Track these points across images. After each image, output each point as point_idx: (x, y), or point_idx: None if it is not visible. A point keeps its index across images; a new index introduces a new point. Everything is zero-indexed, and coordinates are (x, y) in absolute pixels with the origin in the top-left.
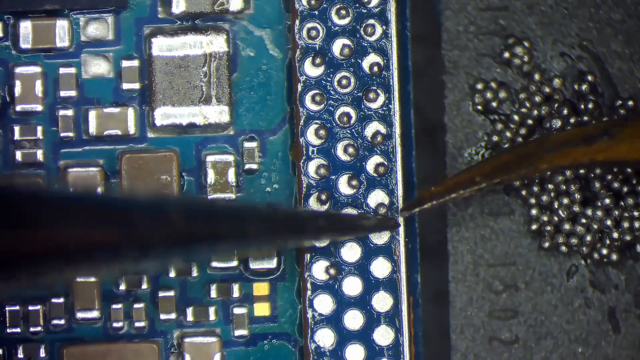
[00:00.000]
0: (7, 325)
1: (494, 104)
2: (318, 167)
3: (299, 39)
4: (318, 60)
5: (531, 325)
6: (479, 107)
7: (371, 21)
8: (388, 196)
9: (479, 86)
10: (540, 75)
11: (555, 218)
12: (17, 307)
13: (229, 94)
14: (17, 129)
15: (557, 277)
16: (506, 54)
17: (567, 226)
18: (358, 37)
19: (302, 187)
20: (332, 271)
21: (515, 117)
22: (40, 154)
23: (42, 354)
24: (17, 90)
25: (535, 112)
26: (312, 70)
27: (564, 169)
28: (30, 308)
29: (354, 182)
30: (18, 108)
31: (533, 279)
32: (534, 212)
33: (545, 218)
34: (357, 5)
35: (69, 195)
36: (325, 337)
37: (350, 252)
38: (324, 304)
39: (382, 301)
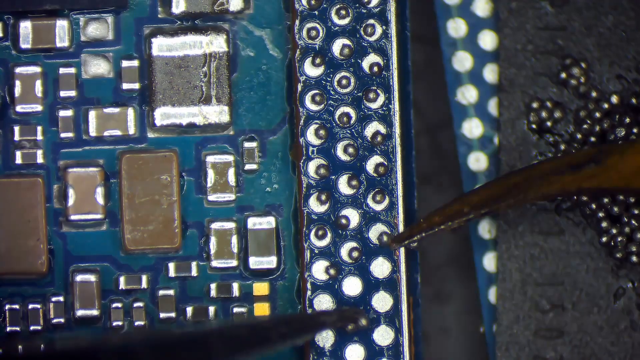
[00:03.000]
0: (7, 324)
1: (549, 124)
2: (318, 167)
3: (299, 39)
4: (318, 60)
5: (576, 346)
6: (534, 126)
7: (371, 21)
8: (388, 197)
9: (535, 105)
10: (597, 94)
11: (627, 229)
12: (17, 306)
13: (229, 94)
14: (17, 129)
15: (604, 298)
16: (563, 74)
17: (639, 235)
18: (358, 37)
19: (302, 187)
20: (332, 271)
21: (578, 136)
22: (40, 154)
23: None
24: (17, 90)
25: (597, 127)
26: (312, 70)
27: (552, 197)
28: (30, 307)
29: (354, 182)
30: (18, 108)
31: (580, 300)
32: (604, 224)
33: (615, 230)
34: (357, 5)
35: (37, 352)
36: (325, 337)
37: (350, 252)
38: (323, 304)
39: (382, 301)
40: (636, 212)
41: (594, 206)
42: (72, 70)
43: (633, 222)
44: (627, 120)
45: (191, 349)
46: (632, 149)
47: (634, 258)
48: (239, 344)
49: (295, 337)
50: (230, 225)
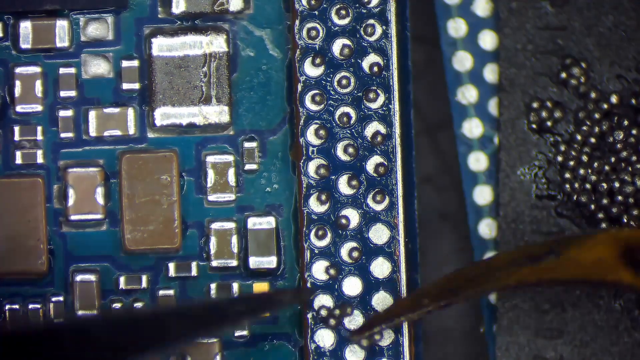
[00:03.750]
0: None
1: (549, 124)
2: (318, 167)
3: (299, 39)
4: (318, 61)
5: (576, 346)
6: (534, 126)
7: (371, 21)
8: (388, 197)
9: (535, 105)
10: (597, 94)
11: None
12: (17, 306)
13: (229, 94)
14: (17, 129)
15: (604, 298)
16: (563, 74)
17: None
18: (358, 37)
19: (302, 187)
20: (332, 271)
21: (578, 137)
22: (40, 155)
23: None
24: (17, 90)
25: (597, 129)
26: (312, 70)
27: (510, 288)
28: (30, 307)
29: (354, 182)
30: (18, 108)
31: (580, 299)
32: (603, 225)
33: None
34: (357, 5)
35: None
36: (325, 337)
37: (350, 252)
38: (324, 304)
39: (382, 301)
40: (635, 213)
41: (592, 207)
42: (72, 70)
43: (632, 223)
44: (626, 122)
45: (148, 327)
46: (590, 241)
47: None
48: (196, 322)
49: (251, 315)
50: (230, 225)
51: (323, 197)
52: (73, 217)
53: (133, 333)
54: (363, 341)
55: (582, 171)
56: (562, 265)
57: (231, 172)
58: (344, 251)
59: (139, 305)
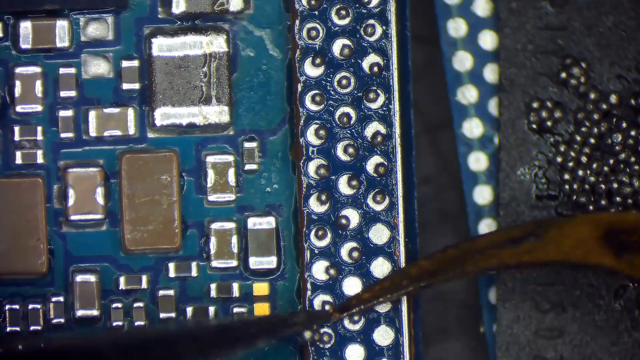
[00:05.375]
0: (7, 324)
1: (549, 124)
2: (318, 167)
3: (299, 39)
4: (318, 61)
5: (576, 346)
6: (534, 126)
7: (371, 21)
8: (388, 197)
9: (535, 105)
10: (596, 95)
11: None
12: (17, 306)
13: (229, 94)
14: (17, 129)
15: (604, 298)
16: (563, 74)
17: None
18: (358, 37)
19: (302, 187)
20: (332, 271)
21: (578, 137)
22: (40, 155)
23: None
24: (17, 90)
25: (595, 129)
26: (312, 70)
27: (491, 270)
28: (30, 307)
29: (354, 183)
30: (18, 108)
31: (580, 300)
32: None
33: None
34: (357, 5)
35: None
36: (325, 337)
37: (350, 252)
38: (324, 304)
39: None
40: (634, 213)
41: (591, 208)
42: (72, 70)
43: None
44: (624, 124)
45: (160, 349)
46: (571, 223)
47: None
48: (208, 344)
49: (264, 337)
50: (230, 225)
51: (323, 197)
52: (73, 217)
53: (144, 352)
54: (306, 334)
55: (580, 172)
56: (543, 247)
57: (231, 172)
58: (344, 251)
59: (139, 304)
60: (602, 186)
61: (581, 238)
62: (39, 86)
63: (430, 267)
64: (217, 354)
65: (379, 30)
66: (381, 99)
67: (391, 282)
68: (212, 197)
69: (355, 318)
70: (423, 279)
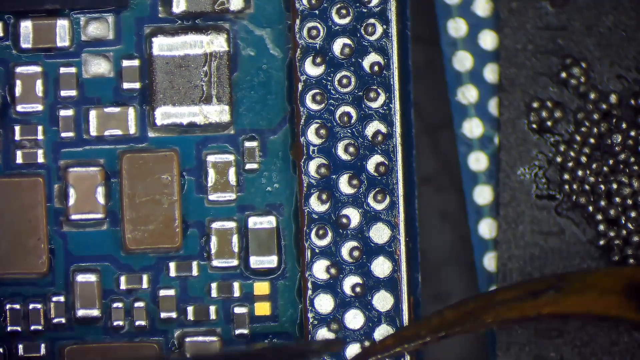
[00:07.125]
0: (8, 323)
1: (549, 123)
2: (318, 167)
3: (300, 38)
4: (318, 60)
5: (576, 346)
6: (534, 126)
7: (372, 20)
8: (388, 196)
9: (535, 105)
10: (596, 95)
11: (624, 232)
12: (18, 306)
13: (230, 94)
14: (17, 128)
15: None
16: (563, 74)
17: (636, 238)
18: (358, 37)
19: (303, 186)
20: (332, 271)
21: (577, 137)
22: (40, 154)
23: (43, 352)
24: (18, 90)
25: (595, 129)
26: (312, 69)
27: (510, 322)
28: (30, 306)
29: (355, 182)
30: (19, 108)
31: None
32: (601, 227)
33: (612, 233)
34: (358, 4)
35: None
36: (325, 337)
37: (351, 251)
38: (324, 303)
39: (382, 300)
40: (633, 215)
41: (591, 209)
42: (73, 69)
43: (630, 225)
44: (624, 125)
45: None
46: (592, 276)
47: (631, 261)
48: None
49: None
50: (231, 224)
51: (324, 197)
52: (74, 217)
53: None
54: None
55: (580, 172)
56: (564, 300)
57: (232, 172)
58: (344, 250)
59: (140, 304)
60: (602, 186)
61: (603, 291)
62: (39, 86)
63: (449, 318)
64: None
65: (379, 29)
66: (382, 98)
67: (410, 333)
68: (212, 197)
69: (356, 318)
70: (442, 330)
